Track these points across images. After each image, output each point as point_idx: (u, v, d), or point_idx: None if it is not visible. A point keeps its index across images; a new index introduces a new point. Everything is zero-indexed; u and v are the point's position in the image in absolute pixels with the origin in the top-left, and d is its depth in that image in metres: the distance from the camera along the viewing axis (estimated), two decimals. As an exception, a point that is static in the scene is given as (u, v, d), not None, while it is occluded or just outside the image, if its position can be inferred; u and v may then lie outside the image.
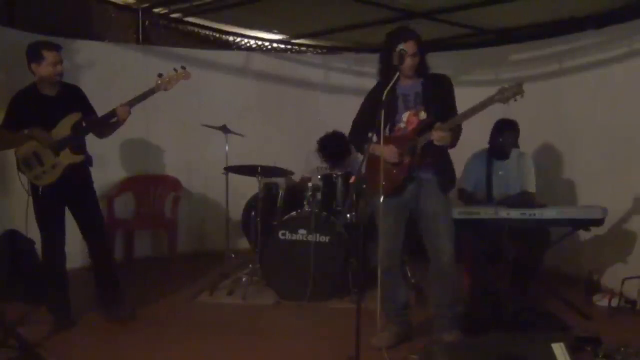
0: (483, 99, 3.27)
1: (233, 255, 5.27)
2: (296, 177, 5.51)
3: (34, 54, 3.75)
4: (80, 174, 3.90)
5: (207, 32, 6.62)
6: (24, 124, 3.74)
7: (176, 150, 6.15)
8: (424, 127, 3.40)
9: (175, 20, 6.33)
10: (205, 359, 3.57)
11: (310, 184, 4.75)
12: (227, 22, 6.44)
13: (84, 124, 3.83)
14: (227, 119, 5.13)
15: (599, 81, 5.01)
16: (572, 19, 5.28)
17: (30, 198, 3.80)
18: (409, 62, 3.36)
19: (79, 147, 3.85)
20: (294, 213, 4.74)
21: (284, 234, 4.57)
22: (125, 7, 5.98)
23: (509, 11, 5.18)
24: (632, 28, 4.74)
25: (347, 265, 4.51)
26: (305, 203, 4.75)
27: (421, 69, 3.46)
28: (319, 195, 4.68)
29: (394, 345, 3.56)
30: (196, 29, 6.53)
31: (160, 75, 3.84)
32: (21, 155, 3.77)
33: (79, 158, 3.80)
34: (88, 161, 3.98)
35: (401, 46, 3.29)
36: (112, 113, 3.78)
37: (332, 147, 5.30)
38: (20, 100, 3.83)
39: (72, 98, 3.89)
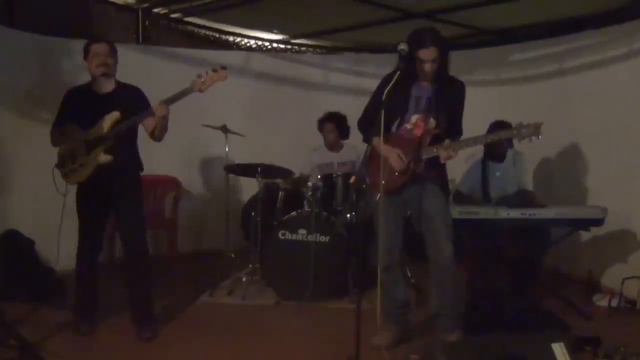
0: (499, 132, 3.36)
1: (233, 255, 5.27)
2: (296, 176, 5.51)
3: (83, 52, 3.77)
4: (124, 178, 3.76)
5: (207, 32, 6.62)
6: (72, 121, 3.70)
7: (176, 150, 6.15)
8: (432, 140, 3.39)
9: (175, 20, 6.33)
10: (205, 359, 3.57)
11: (310, 184, 4.75)
12: (227, 22, 6.44)
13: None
14: (227, 119, 5.13)
15: (599, 81, 5.01)
16: (573, 19, 5.30)
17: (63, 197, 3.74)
18: (428, 67, 3.32)
19: (114, 147, 3.65)
20: (294, 213, 4.74)
21: (284, 234, 4.57)
22: (125, 7, 5.99)
23: (509, 11, 5.18)
24: (632, 28, 4.74)
25: (347, 265, 4.51)
26: (305, 203, 4.75)
27: (439, 74, 3.39)
28: (319, 195, 4.68)
29: (394, 345, 3.56)
30: (196, 29, 6.54)
31: (199, 76, 3.61)
32: (60, 152, 3.77)
33: (106, 158, 3.62)
34: (137, 166, 3.90)
35: (401, 46, 3.27)
36: (149, 112, 3.63)
37: (334, 115, 5.33)
38: (71, 97, 3.81)
39: (127, 98, 3.74)
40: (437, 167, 3.45)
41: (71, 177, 3.73)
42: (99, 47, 3.71)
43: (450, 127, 3.40)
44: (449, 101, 3.43)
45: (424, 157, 3.38)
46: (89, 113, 3.67)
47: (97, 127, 3.65)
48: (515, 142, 4.72)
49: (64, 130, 3.73)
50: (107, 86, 3.75)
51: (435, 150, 3.35)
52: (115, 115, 3.64)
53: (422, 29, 3.40)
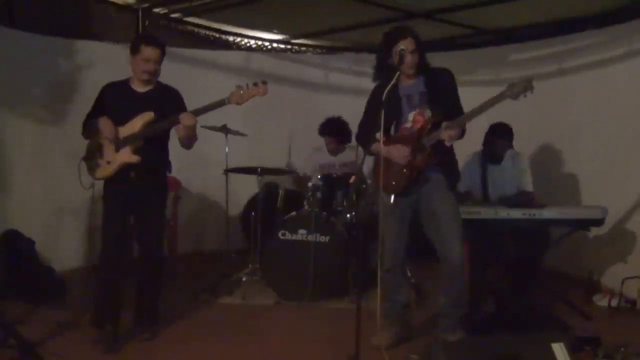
0: (492, 96, 3.22)
1: (233, 255, 5.27)
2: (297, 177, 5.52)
3: (133, 45, 3.64)
4: (150, 179, 3.68)
5: (207, 32, 6.61)
6: (106, 115, 3.62)
7: (176, 150, 6.15)
8: (432, 126, 3.38)
9: (175, 20, 6.32)
10: (205, 359, 3.57)
11: (310, 184, 4.75)
12: (227, 22, 6.44)
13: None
14: (227, 119, 5.13)
15: (599, 81, 5.01)
16: (573, 19, 5.29)
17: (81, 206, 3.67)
18: (409, 59, 3.35)
19: (142, 147, 3.60)
20: (294, 213, 4.74)
21: (284, 234, 4.57)
22: (125, 7, 5.98)
23: (509, 11, 5.18)
24: (632, 28, 4.74)
25: (347, 265, 4.51)
26: (305, 203, 4.75)
27: (422, 66, 3.44)
28: (319, 195, 4.68)
29: (394, 345, 3.56)
30: (196, 29, 6.53)
31: (239, 87, 3.57)
32: (90, 145, 3.71)
33: (134, 158, 3.58)
34: (165, 168, 3.83)
35: (402, 46, 3.29)
36: (176, 119, 3.56)
37: (334, 123, 5.32)
38: (108, 91, 3.72)
39: (163, 99, 3.67)
40: (442, 154, 3.43)
41: (97, 172, 3.67)
42: (152, 53, 3.59)
43: (451, 113, 3.37)
44: (441, 90, 3.44)
45: (427, 144, 3.38)
46: (124, 110, 3.62)
47: (129, 125, 3.60)
48: (514, 143, 4.75)
49: (97, 124, 3.61)
50: (146, 86, 3.69)
51: (435, 134, 3.35)
52: (148, 115, 3.59)
53: (395, 27, 3.50)
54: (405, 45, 3.33)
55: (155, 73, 3.66)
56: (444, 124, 3.30)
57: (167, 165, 3.87)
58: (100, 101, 3.72)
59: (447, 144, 3.33)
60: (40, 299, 4.35)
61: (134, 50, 3.62)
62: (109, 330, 3.57)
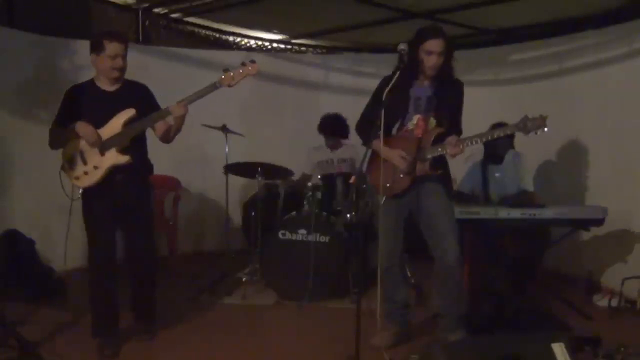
0: (505, 126, 3.30)
1: (233, 256, 5.27)
2: (296, 176, 5.51)
3: (94, 43, 3.44)
4: (135, 179, 3.56)
5: (207, 32, 6.62)
6: (76, 121, 3.41)
7: (176, 150, 6.14)
8: (437, 138, 3.37)
9: (175, 20, 6.33)
10: (204, 359, 3.57)
11: (310, 184, 4.75)
12: (227, 22, 6.44)
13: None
14: (227, 119, 5.13)
15: (599, 81, 5.01)
16: (572, 19, 5.30)
17: (74, 204, 3.48)
18: (433, 59, 3.30)
19: (131, 148, 3.47)
20: (294, 213, 4.74)
21: (284, 234, 4.57)
22: (125, 7, 5.99)
23: (509, 11, 5.18)
24: (632, 28, 4.74)
25: (347, 265, 4.51)
26: (305, 203, 4.75)
27: (443, 72, 3.37)
28: (319, 195, 4.68)
29: (394, 345, 3.56)
30: (196, 29, 6.54)
31: (226, 70, 3.42)
32: (67, 153, 3.51)
33: (123, 159, 3.43)
34: (147, 168, 3.70)
35: (401, 46, 3.27)
36: (166, 111, 3.44)
37: (332, 121, 5.35)
38: (74, 95, 3.51)
39: (134, 96, 3.53)
40: (440, 166, 3.44)
41: (83, 180, 3.48)
42: (117, 48, 3.44)
43: (451, 126, 3.39)
44: (449, 100, 3.42)
45: (429, 156, 3.37)
46: (97, 112, 3.46)
47: (109, 126, 3.45)
48: (515, 143, 4.75)
49: (74, 130, 3.42)
50: (115, 84, 3.54)
51: (440, 149, 3.34)
52: (129, 112, 3.45)
53: (430, 25, 3.45)
54: (433, 45, 3.28)
55: (123, 69, 3.51)
56: (451, 138, 3.29)
57: (150, 166, 3.75)
58: (68, 106, 3.52)
59: (451, 157, 3.35)
60: (40, 299, 4.36)
61: (97, 49, 3.44)
62: (110, 340, 3.56)
